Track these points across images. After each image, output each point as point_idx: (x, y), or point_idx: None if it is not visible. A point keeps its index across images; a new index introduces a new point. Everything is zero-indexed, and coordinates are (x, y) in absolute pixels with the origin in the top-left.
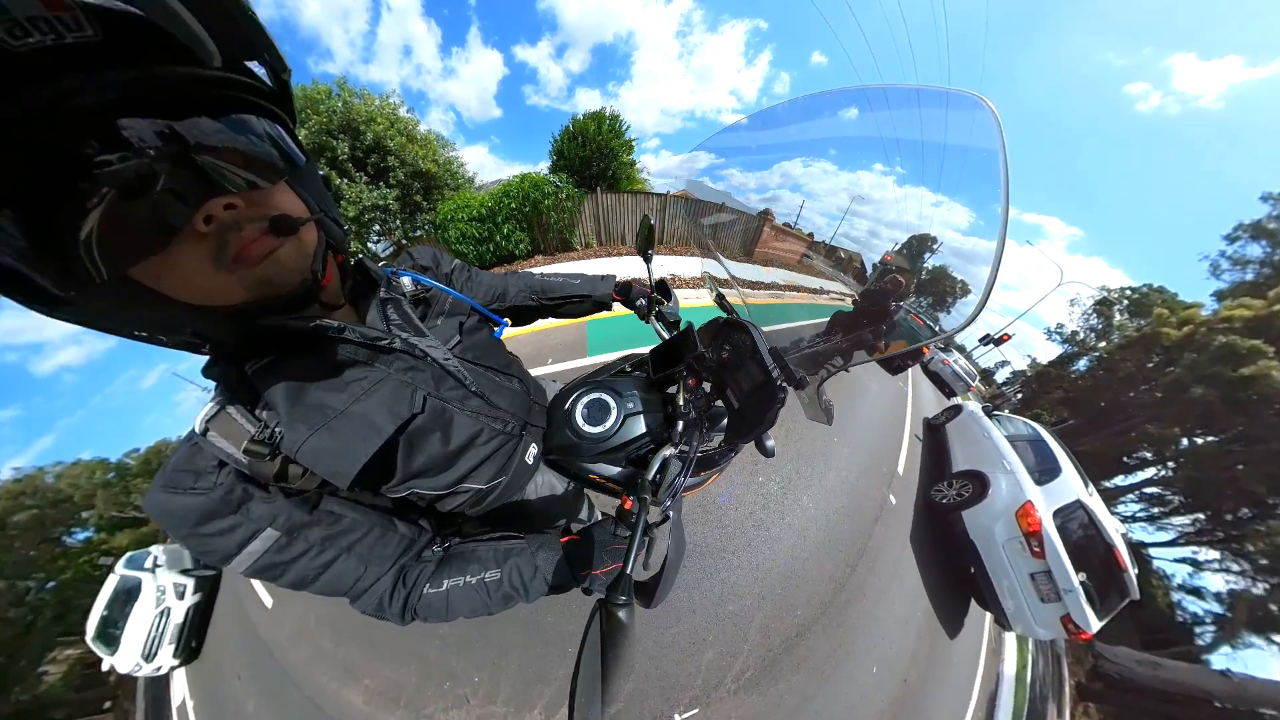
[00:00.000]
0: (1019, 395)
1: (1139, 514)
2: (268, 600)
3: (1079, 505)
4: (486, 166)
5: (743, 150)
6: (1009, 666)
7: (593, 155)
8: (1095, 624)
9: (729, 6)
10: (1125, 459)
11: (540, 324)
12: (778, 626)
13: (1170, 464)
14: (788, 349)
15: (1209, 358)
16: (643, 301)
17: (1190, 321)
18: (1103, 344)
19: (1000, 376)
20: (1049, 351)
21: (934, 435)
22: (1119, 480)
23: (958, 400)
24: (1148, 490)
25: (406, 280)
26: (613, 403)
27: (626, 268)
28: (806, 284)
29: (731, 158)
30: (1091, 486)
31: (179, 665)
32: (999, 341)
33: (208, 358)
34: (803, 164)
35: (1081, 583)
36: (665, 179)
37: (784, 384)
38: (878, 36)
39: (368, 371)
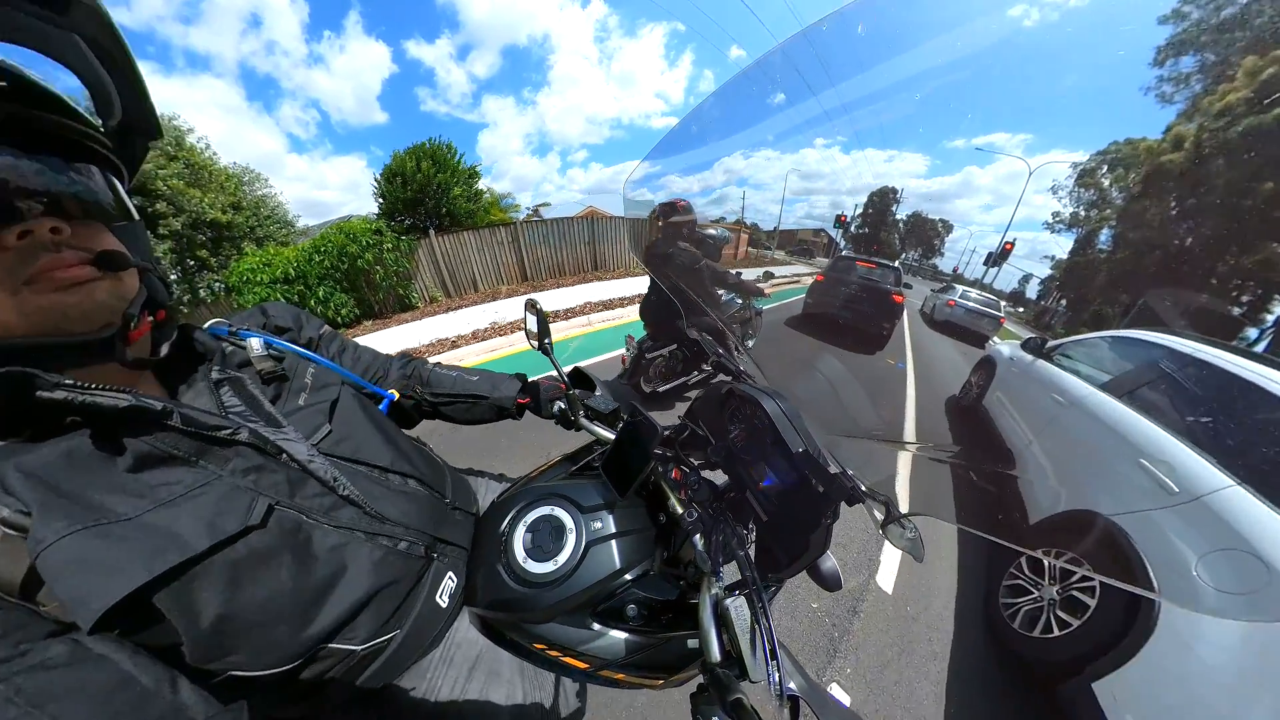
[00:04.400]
0: (1063, 302)
1: None
2: None
3: None
4: (361, 184)
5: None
6: None
7: (416, 196)
8: None
9: (645, 10)
10: (1234, 308)
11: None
12: None
13: None
14: (836, 428)
15: (1244, 148)
16: (561, 405)
17: (1184, 138)
18: (1109, 211)
19: (1031, 291)
20: (1062, 245)
21: (969, 426)
22: (1250, 333)
23: (989, 349)
24: None
25: (256, 344)
26: (569, 522)
27: (487, 315)
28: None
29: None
30: None
31: None
32: (1004, 254)
33: None
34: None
35: None
36: (593, 195)
37: (825, 490)
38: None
39: (186, 473)
